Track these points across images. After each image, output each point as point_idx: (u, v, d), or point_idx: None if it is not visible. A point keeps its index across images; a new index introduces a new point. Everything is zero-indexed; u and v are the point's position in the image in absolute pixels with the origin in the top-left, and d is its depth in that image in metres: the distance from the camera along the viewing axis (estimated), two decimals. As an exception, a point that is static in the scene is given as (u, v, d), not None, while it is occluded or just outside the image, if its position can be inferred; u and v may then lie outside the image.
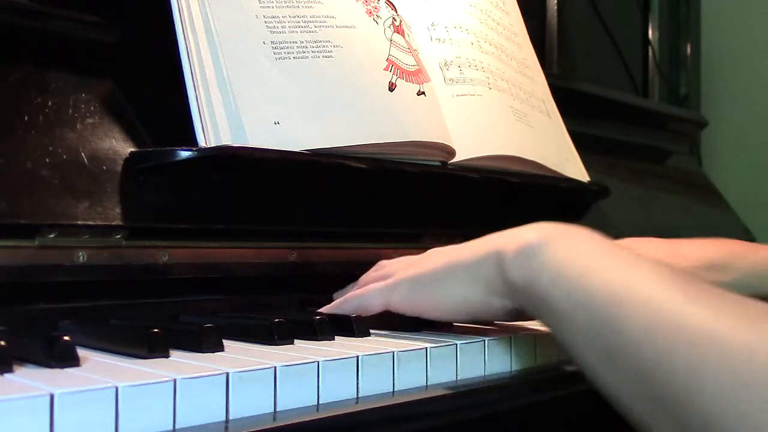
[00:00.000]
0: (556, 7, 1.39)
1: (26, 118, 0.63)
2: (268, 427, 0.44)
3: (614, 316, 0.48)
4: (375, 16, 0.81)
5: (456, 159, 0.84)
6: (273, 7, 0.74)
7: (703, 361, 0.43)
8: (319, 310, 0.68)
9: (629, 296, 0.48)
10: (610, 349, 0.48)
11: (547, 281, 0.52)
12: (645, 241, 0.85)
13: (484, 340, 0.60)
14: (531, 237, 0.55)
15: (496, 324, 0.70)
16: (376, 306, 0.65)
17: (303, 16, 0.75)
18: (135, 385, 0.41)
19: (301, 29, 0.74)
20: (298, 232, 0.76)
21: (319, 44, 0.75)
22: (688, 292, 0.47)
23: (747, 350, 0.42)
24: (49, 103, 0.65)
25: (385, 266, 0.70)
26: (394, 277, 0.65)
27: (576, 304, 0.50)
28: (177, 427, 0.42)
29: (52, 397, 0.38)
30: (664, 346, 0.45)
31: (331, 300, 0.71)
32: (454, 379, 0.57)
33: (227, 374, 0.44)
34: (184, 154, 0.66)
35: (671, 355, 0.44)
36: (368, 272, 0.72)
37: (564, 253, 0.53)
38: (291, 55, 0.73)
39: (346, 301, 0.67)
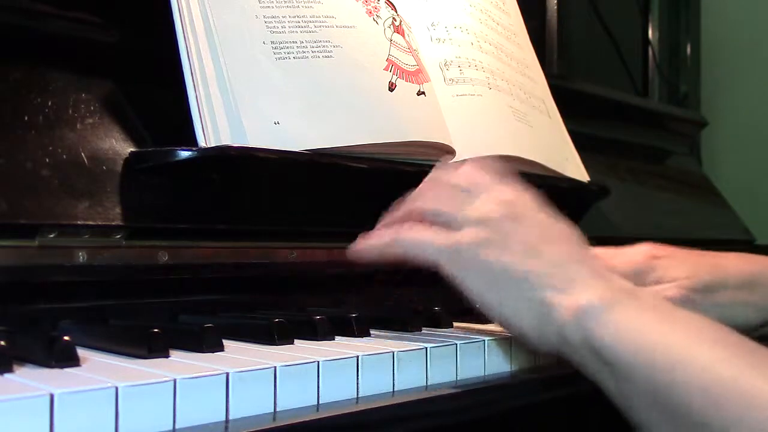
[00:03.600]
0: (556, 7, 1.39)
1: (26, 118, 0.63)
2: (268, 427, 0.44)
3: (675, 381, 0.49)
4: (375, 16, 0.81)
5: (456, 159, 0.84)
6: (273, 7, 0.74)
7: None
8: (363, 248, 0.62)
9: (690, 361, 0.49)
10: (671, 411, 0.50)
11: (608, 343, 0.52)
12: (686, 253, 0.83)
13: (484, 340, 0.60)
14: (591, 297, 0.54)
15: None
16: (427, 261, 0.59)
17: (303, 16, 0.75)
18: (135, 385, 0.41)
19: (301, 29, 0.74)
20: (298, 231, 0.76)
21: (319, 44, 0.75)
22: (751, 360, 0.49)
23: None
24: (49, 103, 0.65)
25: (439, 197, 0.62)
26: (459, 239, 0.58)
27: (637, 366, 0.51)
28: (177, 427, 0.42)
29: (52, 397, 0.38)
30: (727, 414, 0.47)
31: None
32: (454, 379, 0.57)
33: (227, 374, 0.44)
34: (184, 154, 0.66)
35: (737, 425, 0.46)
36: (407, 203, 0.64)
37: (625, 316, 0.53)
38: (291, 55, 0.73)
39: (397, 241, 0.61)
